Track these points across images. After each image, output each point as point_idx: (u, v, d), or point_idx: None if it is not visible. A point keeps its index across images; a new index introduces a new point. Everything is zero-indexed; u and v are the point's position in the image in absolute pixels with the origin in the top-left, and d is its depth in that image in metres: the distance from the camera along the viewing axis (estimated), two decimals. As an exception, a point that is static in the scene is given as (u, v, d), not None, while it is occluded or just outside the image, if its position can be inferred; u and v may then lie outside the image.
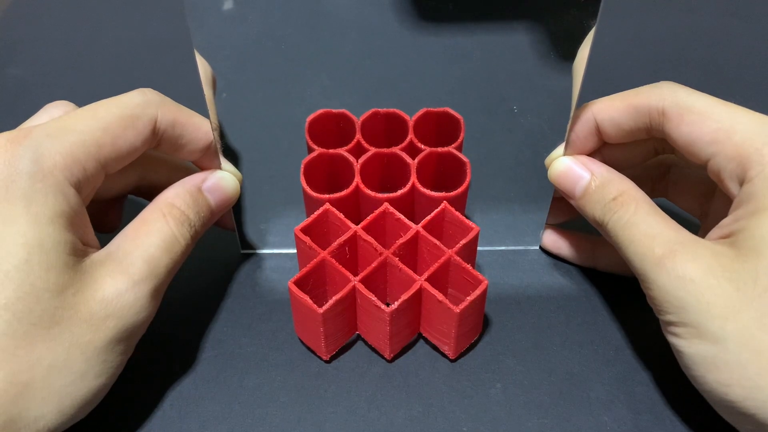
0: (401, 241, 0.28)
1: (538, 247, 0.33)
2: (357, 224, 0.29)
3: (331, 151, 0.31)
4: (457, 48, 0.45)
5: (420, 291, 0.27)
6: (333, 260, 0.27)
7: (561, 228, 0.32)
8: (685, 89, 0.26)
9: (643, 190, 0.28)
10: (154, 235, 0.25)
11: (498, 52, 0.44)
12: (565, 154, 0.29)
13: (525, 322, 0.30)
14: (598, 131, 0.27)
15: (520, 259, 0.33)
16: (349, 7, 0.48)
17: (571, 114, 0.28)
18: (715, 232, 0.25)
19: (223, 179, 0.29)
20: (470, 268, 0.27)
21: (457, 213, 0.29)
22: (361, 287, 0.27)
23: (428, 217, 0.29)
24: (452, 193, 0.30)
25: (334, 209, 0.29)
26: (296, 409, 0.27)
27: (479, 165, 0.37)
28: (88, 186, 0.25)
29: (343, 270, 0.27)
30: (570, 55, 0.31)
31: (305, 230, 0.28)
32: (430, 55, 0.44)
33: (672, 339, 0.24)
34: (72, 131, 0.24)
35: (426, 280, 0.27)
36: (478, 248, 0.33)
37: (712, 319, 0.22)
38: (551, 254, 0.33)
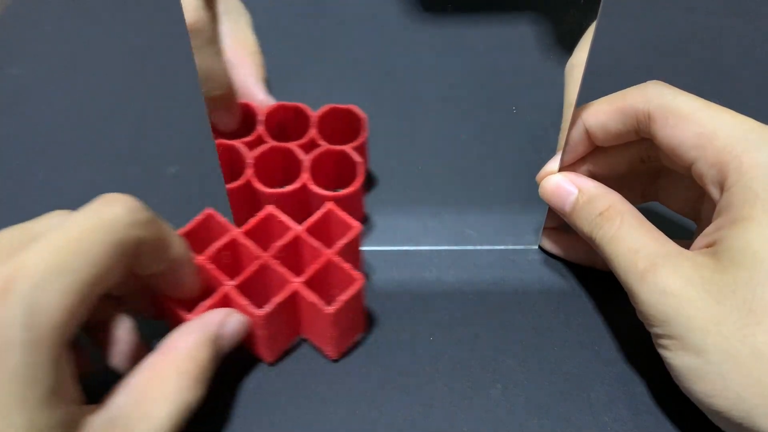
0: (280, 243, 0.28)
1: (537, 247, 0.33)
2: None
3: (226, 141, 0.31)
4: (460, 42, 0.45)
5: (295, 294, 0.27)
6: (211, 266, 0.27)
7: (559, 229, 0.32)
8: (671, 90, 0.26)
9: (633, 194, 0.28)
10: (167, 403, 0.22)
11: (501, 47, 0.44)
12: (561, 160, 0.29)
13: (525, 322, 0.30)
14: (588, 136, 0.28)
15: (519, 259, 0.33)
16: (351, 0, 0.48)
17: (564, 118, 0.28)
18: (700, 240, 0.25)
19: (240, 323, 0.26)
20: (348, 267, 0.27)
21: (342, 213, 0.29)
22: (233, 292, 0.26)
23: (311, 219, 0.29)
24: (340, 193, 0.29)
25: (216, 214, 0.29)
26: (297, 411, 0.27)
27: (479, 163, 0.37)
28: (75, 333, 0.21)
29: (219, 275, 0.27)
30: (572, 53, 0.31)
31: (185, 236, 0.28)
32: (432, 49, 0.44)
33: (661, 351, 0.24)
34: (63, 273, 0.20)
35: (305, 282, 0.27)
36: (478, 248, 0.33)
37: (693, 332, 0.22)
38: (551, 254, 0.33)
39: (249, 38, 0.34)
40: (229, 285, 0.27)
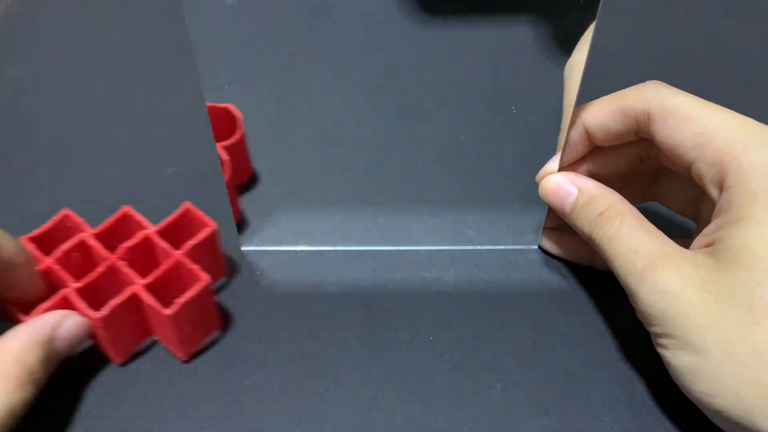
0: (128, 244, 0.28)
1: (537, 247, 0.33)
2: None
3: None
4: (460, 42, 0.45)
5: (135, 296, 0.27)
6: (56, 266, 0.27)
7: (559, 229, 0.32)
8: (670, 90, 0.26)
9: (633, 194, 0.28)
10: None
11: (500, 48, 0.44)
12: (560, 160, 0.29)
13: (525, 322, 0.30)
14: (588, 135, 0.28)
15: (519, 259, 0.33)
16: (351, 1, 0.48)
17: (563, 118, 0.28)
18: (699, 240, 0.25)
19: (78, 324, 0.26)
20: (195, 268, 0.27)
21: (199, 212, 0.29)
22: (71, 295, 0.26)
23: (167, 219, 0.29)
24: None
25: (72, 214, 0.29)
26: (296, 409, 0.27)
27: (479, 163, 0.37)
28: None
29: (67, 277, 0.27)
30: (571, 54, 0.31)
31: (42, 236, 0.28)
32: (431, 50, 0.44)
33: (660, 350, 0.24)
34: None
35: (149, 284, 0.27)
36: (478, 247, 0.33)
37: (692, 331, 0.22)
38: (550, 254, 0.33)
39: None
40: (69, 288, 0.26)
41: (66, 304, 0.27)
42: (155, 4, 0.47)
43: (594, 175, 0.29)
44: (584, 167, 0.29)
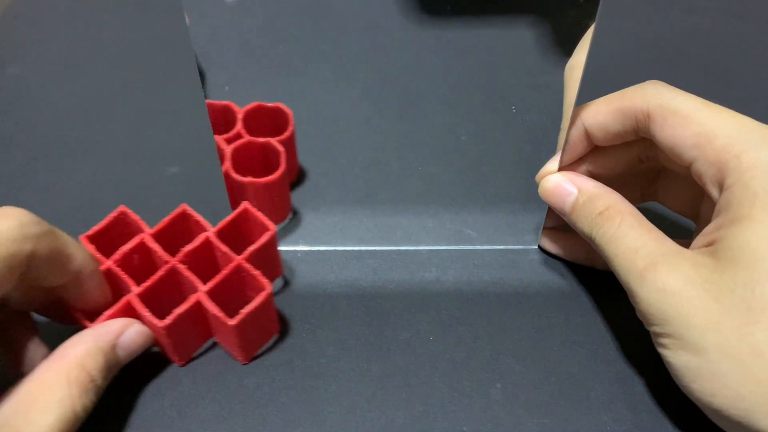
0: (189, 248, 0.27)
1: (537, 247, 0.33)
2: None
3: None
4: (460, 43, 0.45)
5: (198, 303, 0.26)
6: (118, 270, 0.27)
7: (559, 229, 0.32)
8: (669, 90, 0.26)
9: (633, 194, 0.28)
10: (52, 411, 0.22)
11: (500, 47, 0.45)
12: (560, 160, 0.29)
13: (525, 322, 0.30)
14: (587, 135, 0.28)
15: (519, 259, 0.33)
16: (351, 1, 0.48)
17: (564, 119, 0.28)
18: (699, 239, 0.25)
19: (140, 334, 0.26)
20: (258, 274, 0.27)
21: (259, 213, 0.28)
22: (135, 301, 0.26)
23: (226, 219, 0.28)
24: (262, 180, 0.29)
25: (129, 212, 0.29)
26: (296, 409, 0.27)
27: (479, 163, 0.37)
28: None
29: (128, 280, 0.27)
30: (571, 54, 0.31)
31: (99, 234, 0.28)
32: (432, 50, 0.44)
33: (660, 349, 0.24)
34: None
35: (209, 290, 0.26)
36: (478, 247, 0.33)
37: (692, 330, 0.23)
38: (550, 254, 0.33)
39: None
40: (132, 293, 0.26)
41: (129, 310, 0.26)
42: (155, 4, 0.47)
43: (594, 175, 0.29)
44: (584, 167, 0.29)
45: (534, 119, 0.40)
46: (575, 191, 0.28)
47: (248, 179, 0.29)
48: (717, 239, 0.24)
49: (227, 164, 0.30)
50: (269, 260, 0.28)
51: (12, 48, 0.44)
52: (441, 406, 0.27)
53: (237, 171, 0.30)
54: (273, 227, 0.28)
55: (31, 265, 0.23)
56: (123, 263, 0.27)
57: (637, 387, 0.28)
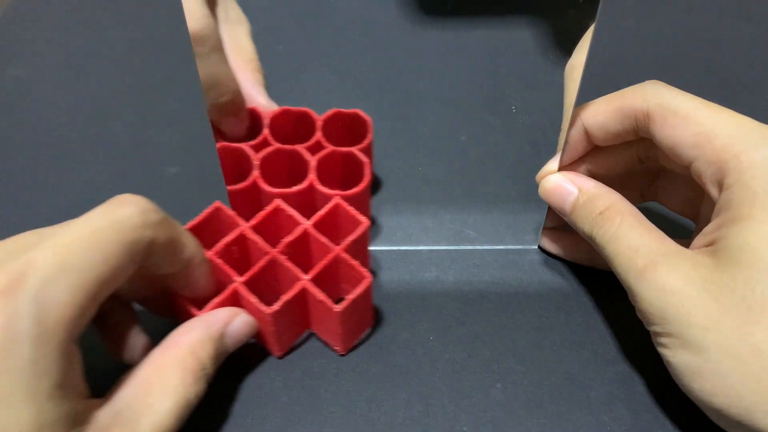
0: (288, 239, 0.28)
1: (537, 247, 0.33)
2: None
3: (232, 144, 0.31)
4: (459, 43, 0.45)
5: (303, 291, 0.27)
6: (219, 261, 0.27)
7: (559, 229, 0.32)
8: (669, 90, 0.26)
9: (633, 194, 0.28)
10: (168, 397, 0.23)
11: (500, 48, 0.45)
12: (560, 160, 0.29)
13: (525, 322, 0.30)
14: (587, 135, 0.28)
15: (519, 259, 0.33)
16: (351, 2, 0.48)
17: (564, 119, 0.28)
18: (699, 239, 0.25)
19: (247, 323, 0.27)
20: (357, 264, 0.27)
21: (350, 208, 0.29)
22: (242, 289, 0.27)
23: (320, 213, 0.29)
24: (348, 192, 0.30)
25: (224, 207, 0.29)
26: (296, 409, 0.27)
27: (479, 163, 0.37)
28: (83, 329, 0.22)
29: (230, 271, 0.27)
30: (571, 54, 0.31)
31: (194, 229, 0.28)
32: (432, 51, 0.44)
33: (660, 349, 0.24)
34: (73, 270, 0.20)
35: (312, 278, 0.27)
36: (478, 248, 0.33)
37: (692, 329, 0.23)
38: (550, 254, 0.33)
39: (247, 45, 0.35)
40: (238, 281, 0.27)
41: (236, 299, 0.27)
42: (155, 4, 0.47)
43: (594, 175, 0.29)
44: (584, 167, 0.29)
45: (534, 119, 0.40)
46: (575, 191, 0.28)
47: (335, 192, 0.29)
48: (717, 239, 0.24)
49: (311, 176, 0.30)
50: (361, 253, 0.29)
51: (12, 48, 0.44)
52: (441, 406, 0.27)
53: (321, 183, 0.30)
54: (366, 221, 0.28)
55: (149, 253, 0.23)
56: (224, 254, 0.28)
57: (637, 387, 0.28)
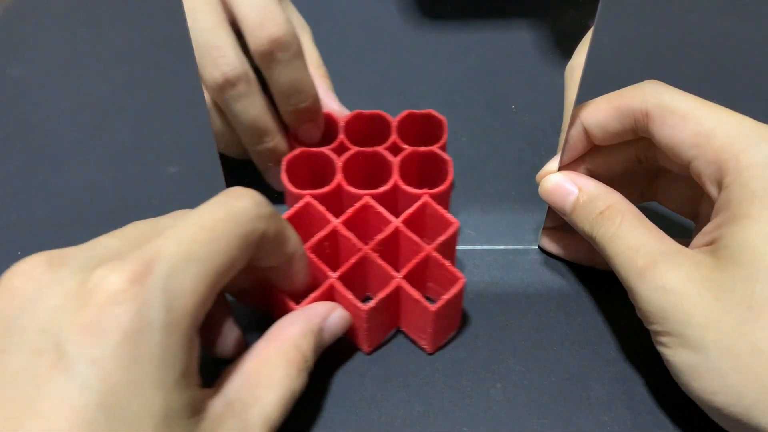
0: (380, 237, 0.28)
1: (537, 247, 0.33)
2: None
3: (312, 149, 0.31)
4: (459, 45, 0.45)
5: (397, 288, 0.27)
6: (313, 256, 0.28)
7: (559, 229, 0.32)
8: (668, 89, 0.26)
9: (632, 194, 0.28)
10: (276, 389, 0.23)
11: (500, 49, 0.45)
12: (560, 159, 0.29)
13: (525, 322, 0.30)
14: (586, 135, 0.28)
15: (519, 259, 0.33)
16: (351, 4, 0.48)
17: (564, 119, 0.28)
18: (699, 238, 0.25)
19: (343, 318, 0.27)
20: (449, 264, 0.27)
21: (438, 207, 0.29)
22: (338, 285, 0.27)
23: (408, 211, 0.29)
24: (434, 190, 0.30)
25: (315, 202, 0.29)
26: (296, 409, 0.27)
27: (479, 163, 0.37)
28: (203, 319, 0.22)
29: (323, 266, 0.27)
30: (571, 55, 0.31)
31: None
32: (432, 52, 0.44)
33: (660, 348, 0.24)
34: (197, 259, 0.21)
35: (404, 277, 0.27)
36: (478, 247, 0.33)
37: (692, 329, 0.23)
38: (550, 254, 0.33)
39: (313, 51, 0.35)
40: (333, 277, 0.27)
41: (331, 294, 0.27)
42: (155, 4, 0.47)
43: (594, 175, 0.29)
44: (584, 167, 0.29)
45: (534, 120, 0.40)
46: (576, 191, 0.28)
47: (423, 191, 0.30)
48: (716, 238, 0.24)
49: (395, 177, 0.30)
50: (449, 253, 0.29)
51: (12, 48, 0.44)
52: (441, 406, 0.27)
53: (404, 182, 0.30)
54: (456, 221, 0.28)
55: (259, 245, 0.23)
56: (316, 250, 0.28)
57: (637, 387, 0.28)
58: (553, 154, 0.30)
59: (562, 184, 0.28)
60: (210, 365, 0.24)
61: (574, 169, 0.29)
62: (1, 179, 0.36)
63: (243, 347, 0.26)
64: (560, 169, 0.29)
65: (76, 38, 0.45)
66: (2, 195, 0.35)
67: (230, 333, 0.26)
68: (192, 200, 0.33)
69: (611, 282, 0.31)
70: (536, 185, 0.30)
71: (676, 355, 0.23)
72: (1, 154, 0.37)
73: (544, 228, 0.32)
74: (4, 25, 0.46)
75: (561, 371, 0.28)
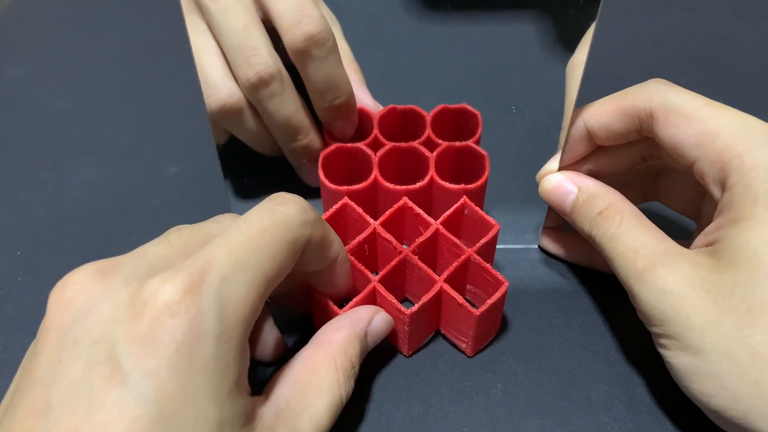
0: (421, 239, 0.28)
1: (537, 247, 0.33)
2: (375, 218, 0.29)
3: (348, 144, 0.31)
4: (461, 39, 0.45)
5: (439, 292, 0.27)
6: (353, 259, 0.27)
7: (559, 229, 0.32)
8: (673, 89, 0.26)
9: (634, 193, 0.28)
10: (325, 395, 0.23)
11: (502, 45, 0.44)
12: (560, 159, 0.29)
13: (525, 322, 0.30)
14: (589, 136, 0.28)
15: (519, 258, 0.33)
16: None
17: (565, 117, 0.28)
18: (700, 239, 0.25)
19: (386, 321, 0.27)
20: (490, 267, 0.27)
21: (477, 208, 0.29)
22: (381, 288, 0.27)
23: (447, 213, 0.29)
24: (471, 186, 0.30)
25: (352, 203, 0.29)
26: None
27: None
28: (252, 326, 0.22)
29: (364, 269, 0.27)
30: (573, 51, 0.31)
31: None
32: (433, 47, 0.44)
33: (660, 350, 0.24)
34: (245, 268, 0.21)
35: (445, 280, 0.27)
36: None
37: (691, 331, 0.22)
38: (550, 254, 0.33)
39: (344, 46, 0.35)
40: (374, 281, 0.27)
41: (372, 297, 0.27)
42: (155, 4, 0.47)
43: (595, 174, 0.29)
44: (586, 166, 0.29)
45: (535, 117, 0.40)
46: (575, 190, 0.28)
47: (460, 186, 0.29)
48: (718, 239, 0.24)
49: (431, 172, 0.30)
50: (489, 255, 0.29)
51: (12, 48, 0.44)
52: (441, 406, 0.27)
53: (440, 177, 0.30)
54: (496, 224, 0.28)
55: (305, 250, 0.23)
56: (356, 252, 0.28)
57: (637, 387, 0.28)
58: (553, 152, 0.30)
59: (562, 184, 0.28)
60: (250, 368, 0.24)
61: (577, 169, 0.29)
62: (1, 179, 0.36)
63: (283, 350, 0.26)
64: (561, 168, 0.29)
65: (76, 38, 0.45)
66: (2, 195, 0.35)
67: (270, 336, 0.26)
68: (192, 200, 0.33)
69: (611, 282, 0.31)
70: (536, 185, 0.30)
71: (675, 357, 0.23)
72: (1, 154, 0.37)
73: (544, 227, 0.32)
74: (4, 25, 0.46)
75: (561, 371, 0.28)
